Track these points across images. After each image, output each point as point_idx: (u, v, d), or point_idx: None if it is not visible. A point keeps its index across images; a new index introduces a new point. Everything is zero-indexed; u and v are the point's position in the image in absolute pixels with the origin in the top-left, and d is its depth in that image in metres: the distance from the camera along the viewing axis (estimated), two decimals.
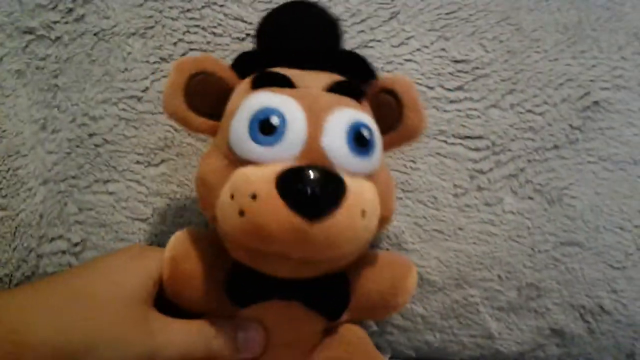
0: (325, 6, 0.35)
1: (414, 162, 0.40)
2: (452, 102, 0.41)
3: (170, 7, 0.41)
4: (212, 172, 0.30)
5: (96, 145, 0.40)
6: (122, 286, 0.30)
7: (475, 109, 0.41)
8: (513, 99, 0.41)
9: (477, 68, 0.41)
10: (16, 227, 0.39)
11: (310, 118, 0.28)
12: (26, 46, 0.41)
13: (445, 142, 0.40)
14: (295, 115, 0.28)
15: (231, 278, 0.31)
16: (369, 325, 0.42)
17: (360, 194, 0.27)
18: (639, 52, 0.42)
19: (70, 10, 0.41)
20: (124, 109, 0.40)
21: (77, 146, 0.40)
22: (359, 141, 0.29)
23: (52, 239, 0.40)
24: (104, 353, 0.27)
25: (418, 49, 0.41)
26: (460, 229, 0.40)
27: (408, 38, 0.41)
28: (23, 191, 0.40)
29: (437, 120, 0.40)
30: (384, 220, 0.31)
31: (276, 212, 0.25)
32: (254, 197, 0.26)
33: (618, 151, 0.41)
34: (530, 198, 0.41)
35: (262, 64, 0.32)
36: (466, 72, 0.41)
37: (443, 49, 0.41)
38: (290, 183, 0.26)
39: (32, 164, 0.40)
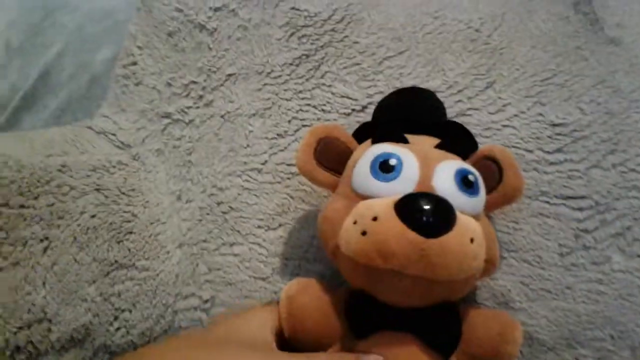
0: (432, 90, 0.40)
1: (516, 222, 0.42)
2: (552, 164, 0.42)
3: (285, 90, 0.46)
4: (335, 210, 0.34)
5: (223, 213, 0.46)
6: (245, 333, 0.34)
7: (577, 170, 0.42)
8: (615, 159, 0.42)
9: (576, 130, 0.42)
10: (156, 286, 0.45)
11: (422, 164, 0.33)
12: (164, 129, 0.48)
13: (548, 202, 0.42)
14: (409, 159, 0.33)
15: (350, 305, 0.34)
16: None
17: (469, 224, 0.31)
18: None
19: (201, 97, 0.47)
20: (246, 180, 0.45)
21: (207, 214, 0.46)
22: (466, 183, 0.33)
23: (186, 297, 0.45)
24: None
25: (515, 115, 0.43)
26: (568, 288, 0.41)
27: (505, 105, 0.43)
28: (162, 254, 0.45)
29: (538, 182, 0.42)
30: (489, 263, 0.33)
31: (395, 230, 0.29)
32: (375, 219, 0.30)
33: None
34: (639, 256, 0.40)
35: (381, 130, 0.37)
36: (565, 135, 0.42)
37: (540, 114, 0.43)
38: (407, 205, 0.30)
39: (170, 230, 0.46)
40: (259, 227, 0.45)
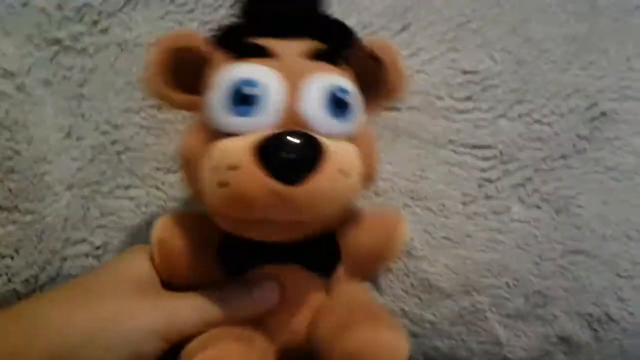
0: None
1: (423, 170, 0.41)
2: (461, 112, 0.42)
3: (191, 20, 0.42)
4: (193, 148, 0.30)
5: (118, 152, 0.42)
6: (129, 272, 0.32)
7: (484, 119, 0.42)
8: (521, 109, 0.42)
9: (486, 79, 0.42)
10: (42, 230, 0.41)
11: (289, 86, 0.29)
12: (53, 57, 0.43)
13: (454, 151, 0.41)
14: (272, 84, 0.29)
15: (223, 248, 0.32)
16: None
17: (340, 155, 0.28)
18: None
19: (96, 22, 0.43)
20: (144, 118, 0.42)
21: (100, 153, 0.42)
22: (337, 105, 0.29)
23: (76, 242, 0.42)
24: (122, 326, 0.29)
25: (428, 60, 0.42)
26: (468, 236, 0.41)
27: (419, 49, 0.42)
28: (49, 196, 0.42)
29: (446, 130, 0.41)
30: (367, 178, 0.31)
31: (256, 180, 0.26)
32: (234, 168, 0.27)
33: (625, 161, 0.42)
34: (538, 207, 0.41)
35: (241, 35, 0.32)
36: (475, 83, 0.42)
37: (453, 60, 0.42)
38: (268, 151, 0.26)
39: (58, 170, 0.42)
40: (158, 169, 0.42)
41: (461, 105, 0.42)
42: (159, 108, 0.42)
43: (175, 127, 0.42)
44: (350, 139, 0.30)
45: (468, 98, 0.42)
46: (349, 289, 0.35)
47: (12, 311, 0.30)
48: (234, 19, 0.35)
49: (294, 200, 0.26)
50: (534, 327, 0.42)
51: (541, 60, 0.42)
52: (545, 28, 0.42)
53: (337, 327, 0.30)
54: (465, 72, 0.42)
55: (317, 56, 0.31)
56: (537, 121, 0.42)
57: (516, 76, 0.42)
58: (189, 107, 0.33)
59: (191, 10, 0.43)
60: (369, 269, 0.37)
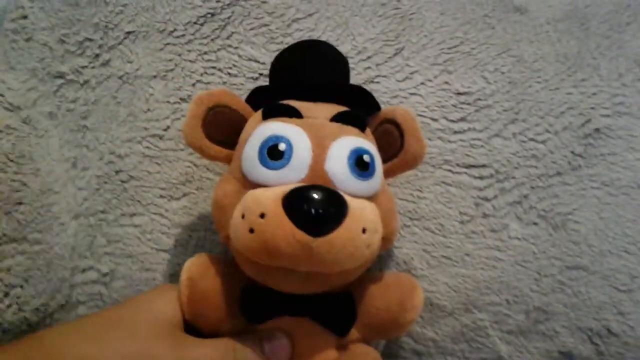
0: (333, 45, 0.38)
1: (420, 191, 0.42)
2: (456, 132, 0.42)
3: (189, 51, 0.44)
4: (225, 196, 0.32)
5: (122, 181, 0.43)
6: (153, 313, 0.33)
7: (479, 139, 0.42)
8: (515, 128, 0.42)
9: (480, 99, 0.43)
10: (50, 259, 0.42)
11: (315, 145, 0.31)
12: (57, 90, 0.44)
13: (451, 171, 0.42)
14: (301, 142, 0.31)
15: (245, 295, 0.33)
16: (382, 348, 0.43)
17: (362, 213, 0.30)
18: (639, 79, 0.43)
19: (97, 55, 0.44)
20: (147, 147, 0.43)
21: (105, 182, 0.43)
22: (360, 165, 0.31)
23: (84, 270, 0.43)
24: None
25: (422, 83, 0.43)
26: (467, 255, 0.42)
27: (412, 73, 0.43)
28: (56, 226, 0.43)
29: (442, 151, 0.42)
30: (386, 239, 0.33)
31: (283, 229, 0.28)
32: (262, 216, 0.28)
33: (621, 176, 0.42)
34: (535, 224, 0.42)
35: (274, 98, 0.34)
36: (469, 104, 0.42)
37: (446, 82, 0.43)
38: (295, 203, 0.28)
39: (64, 200, 0.43)
40: (161, 196, 0.43)
41: (456, 126, 0.42)
42: (161, 137, 0.43)
43: (176, 155, 0.43)
44: (371, 198, 0.32)
45: (462, 119, 0.42)
46: (361, 351, 0.36)
47: (35, 340, 0.31)
48: (267, 83, 0.38)
49: (316, 250, 0.28)
50: (535, 342, 0.42)
51: (533, 80, 0.43)
52: (536, 47, 0.43)
53: None
54: (458, 94, 0.43)
55: (342, 120, 0.33)
56: (532, 139, 0.42)
57: (509, 96, 0.43)
58: (222, 158, 0.35)
59: (189, 42, 0.44)
60: (383, 332, 0.37)
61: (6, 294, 0.40)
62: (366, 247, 0.30)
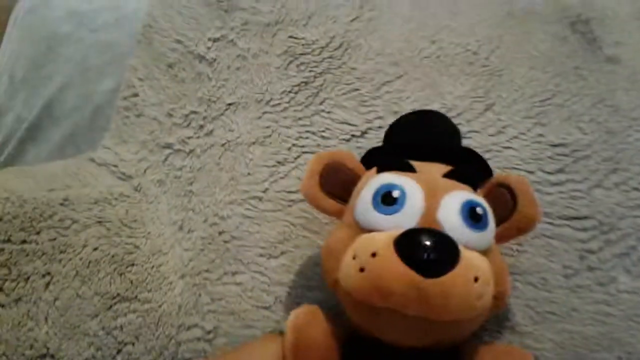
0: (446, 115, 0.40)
1: (520, 245, 0.41)
2: (553, 184, 0.42)
3: (285, 117, 0.46)
4: (337, 241, 0.34)
5: (225, 242, 0.45)
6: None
7: (579, 190, 0.41)
8: (617, 178, 0.41)
9: (577, 150, 0.42)
10: (159, 318, 0.44)
11: (428, 194, 0.32)
12: (165, 159, 0.48)
13: (551, 223, 0.41)
14: (413, 190, 0.32)
15: (349, 346, 0.34)
16: None
17: (474, 262, 0.30)
18: None
19: (202, 126, 0.48)
20: (248, 209, 0.45)
21: (209, 243, 0.46)
22: (473, 217, 0.31)
23: (189, 327, 0.45)
24: None
25: (515, 137, 0.43)
26: (574, 310, 0.40)
27: (504, 127, 0.43)
28: (164, 285, 0.45)
29: (540, 204, 0.41)
30: (498, 298, 0.32)
31: (393, 267, 0.28)
32: (374, 255, 0.29)
33: None
34: None
35: (388, 157, 0.37)
36: (565, 155, 0.42)
37: (540, 135, 0.43)
38: (407, 243, 0.29)
39: (172, 260, 0.46)
40: (261, 255, 0.45)
41: (553, 178, 0.42)
42: (260, 199, 0.45)
43: (275, 215, 0.45)
44: (483, 253, 0.32)
45: (560, 170, 0.42)
46: None
47: None
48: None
49: (426, 291, 0.28)
50: None
51: (633, 128, 0.42)
52: (633, 96, 0.43)
53: None
54: (554, 145, 0.42)
55: (455, 177, 0.34)
56: (635, 189, 0.41)
57: (607, 145, 0.42)
58: (334, 212, 0.37)
59: (284, 109, 0.47)
60: None
61: (119, 351, 0.42)
62: (477, 298, 0.29)
